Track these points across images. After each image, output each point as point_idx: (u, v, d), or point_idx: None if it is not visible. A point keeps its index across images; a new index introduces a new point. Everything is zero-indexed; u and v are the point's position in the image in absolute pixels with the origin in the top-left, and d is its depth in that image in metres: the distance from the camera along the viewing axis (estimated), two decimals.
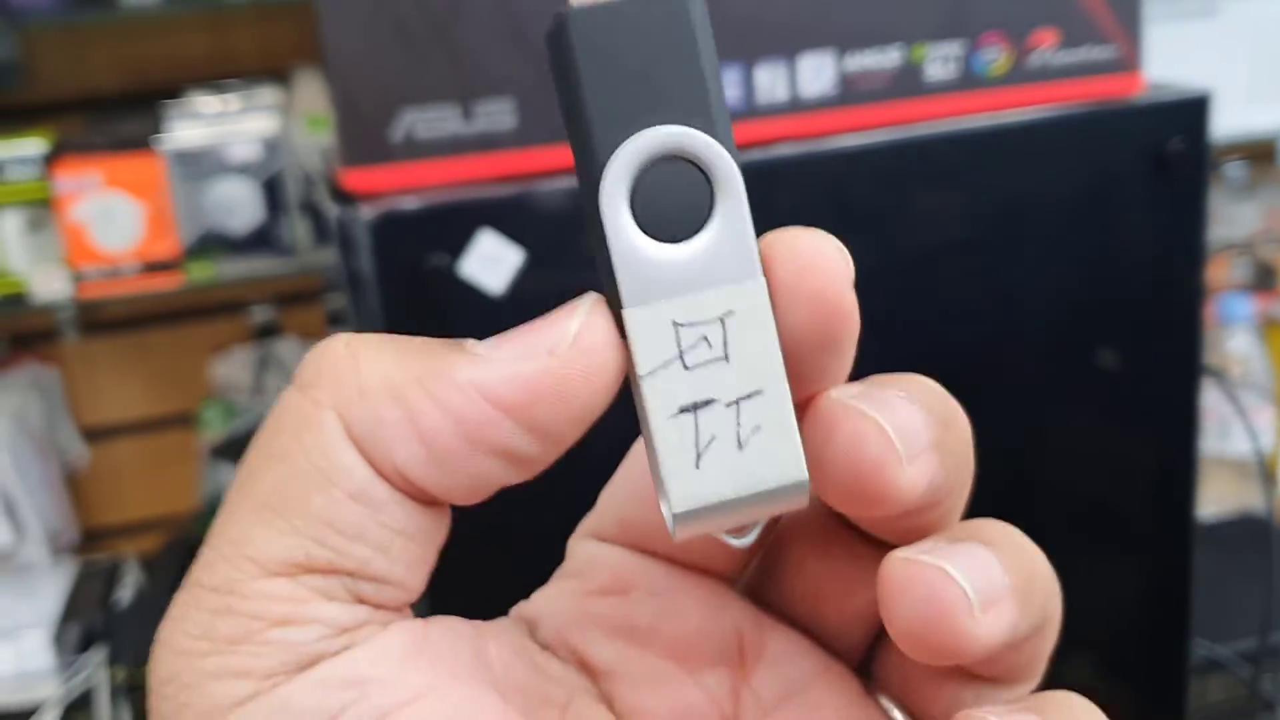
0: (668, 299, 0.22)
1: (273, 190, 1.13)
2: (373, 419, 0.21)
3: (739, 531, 0.24)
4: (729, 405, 0.22)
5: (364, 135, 0.62)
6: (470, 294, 0.62)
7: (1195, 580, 0.82)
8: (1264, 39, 1.27)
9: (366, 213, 0.60)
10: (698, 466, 0.22)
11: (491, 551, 0.57)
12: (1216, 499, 1.38)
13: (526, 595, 0.29)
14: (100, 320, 1.37)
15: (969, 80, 0.68)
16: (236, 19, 1.33)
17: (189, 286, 1.14)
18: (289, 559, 0.21)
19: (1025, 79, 0.69)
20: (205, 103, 1.16)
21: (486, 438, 0.22)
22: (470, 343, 0.23)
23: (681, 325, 0.22)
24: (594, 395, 0.22)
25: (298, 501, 0.21)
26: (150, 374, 1.41)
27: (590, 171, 0.22)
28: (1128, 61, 0.71)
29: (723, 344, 0.22)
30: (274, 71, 1.30)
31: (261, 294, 1.40)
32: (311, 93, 1.23)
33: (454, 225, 0.61)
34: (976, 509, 0.76)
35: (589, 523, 0.28)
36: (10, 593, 1.28)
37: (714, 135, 0.22)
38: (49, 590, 1.28)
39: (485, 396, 0.22)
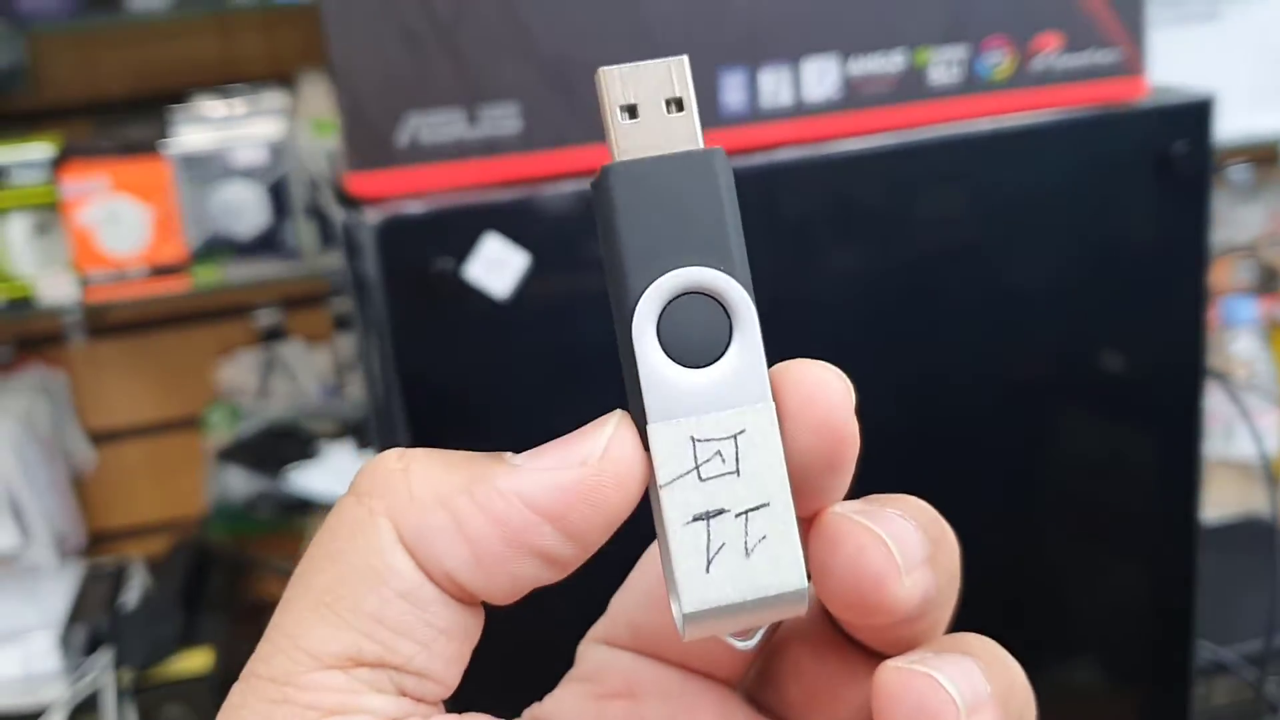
0: (687, 417, 0.24)
1: (279, 194, 1.14)
2: (423, 525, 0.23)
3: (744, 634, 0.26)
4: (738, 515, 0.24)
5: (369, 139, 0.62)
6: (475, 298, 0.62)
7: (1199, 583, 0.82)
8: (1267, 41, 1.27)
9: (372, 217, 0.60)
10: (708, 571, 0.24)
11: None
12: (1220, 502, 1.37)
13: (530, 697, 0.30)
14: (106, 324, 1.37)
15: (972, 84, 0.68)
16: (243, 24, 1.33)
17: (195, 290, 1.15)
18: (343, 652, 0.23)
19: (1028, 83, 0.69)
20: (212, 107, 1.16)
21: (527, 541, 0.24)
22: (509, 455, 0.25)
23: (699, 441, 0.24)
24: (622, 502, 0.24)
25: (352, 599, 0.23)
26: (156, 377, 1.41)
27: (624, 303, 0.24)
28: (1131, 65, 0.71)
29: (735, 459, 0.24)
30: (280, 76, 1.31)
31: (267, 297, 1.41)
32: (317, 97, 1.24)
33: (459, 229, 0.62)
34: (983, 511, 0.76)
35: (599, 628, 0.30)
36: (17, 595, 1.28)
37: (733, 275, 0.25)
38: (55, 593, 1.29)
39: (526, 503, 0.24)
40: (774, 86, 0.66)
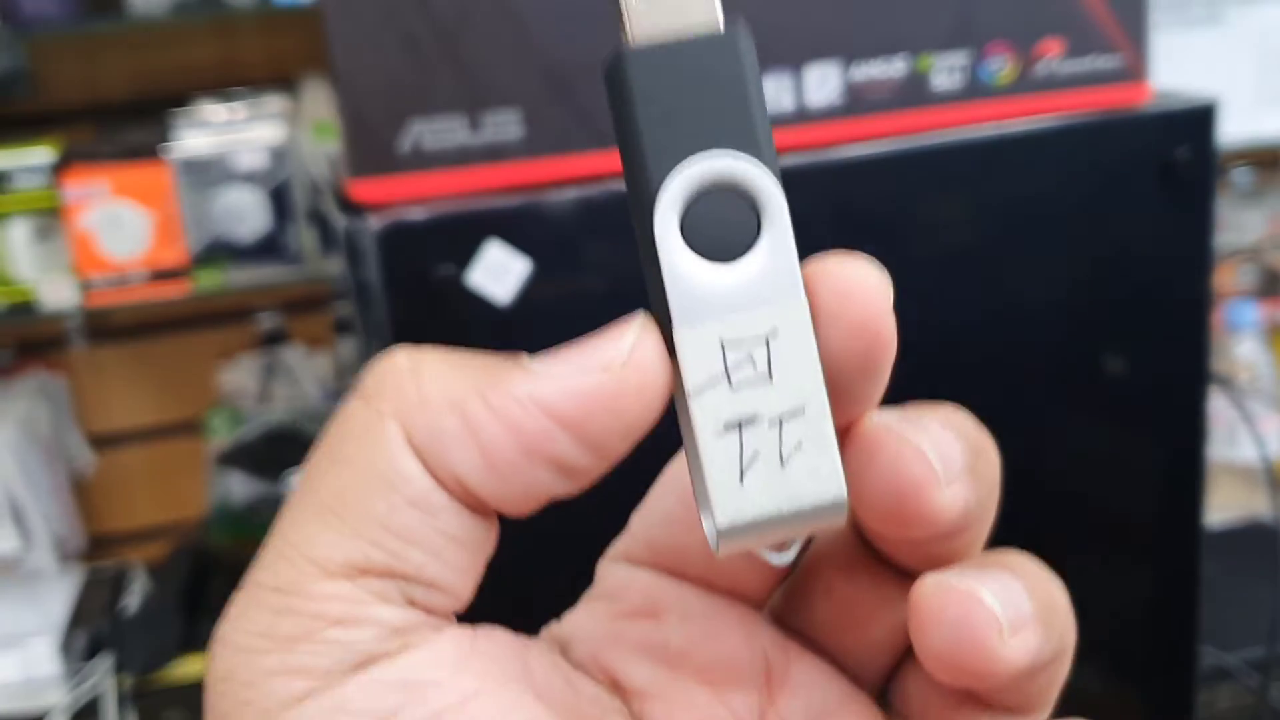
0: (715, 319, 0.23)
1: (280, 198, 1.14)
2: (434, 428, 0.22)
3: (779, 549, 0.24)
4: (772, 423, 0.23)
5: (372, 146, 0.62)
6: (477, 304, 0.62)
7: (1202, 587, 0.82)
8: (1269, 45, 1.27)
9: (374, 223, 0.60)
10: (741, 483, 0.22)
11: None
12: (1223, 506, 1.37)
13: (546, 613, 0.29)
14: (107, 328, 1.37)
15: (975, 90, 0.68)
16: (244, 28, 1.33)
17: (197, 294, 1.15)
18: (349, 561, 0.22)
19: (1031, 88, 0.69)
20: (213, 111, 1.16)
21: (542, 449, 0.22)
22: (526, 359, 0.23)
23: (728, 344, 0.23)
24: (645, 410, 0.23)
25: (359, 505, 0.22)
26: (157, 381, 1.41)
27: (644, 196, 0.23)
28: (1134, 70, 0.71)
29: (767, 363, 0.23)
30: (281, 80, 1.31)
31: (268, 302, 1.41)
32: (319, 101, 1.24)
33: (461, 235, 0.62)
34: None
35: (620, 546, 0.29)
36: (17, 600, 1.28)
37: (761, 162, 0.23)
38: (56, 597, 1.29)
39: (543, 410, 0.22)
40: (776, 93, 0.66)
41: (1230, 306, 1.41)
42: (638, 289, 0.70)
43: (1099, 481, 0.78)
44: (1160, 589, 0.82)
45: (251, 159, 1.12)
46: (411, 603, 0.23)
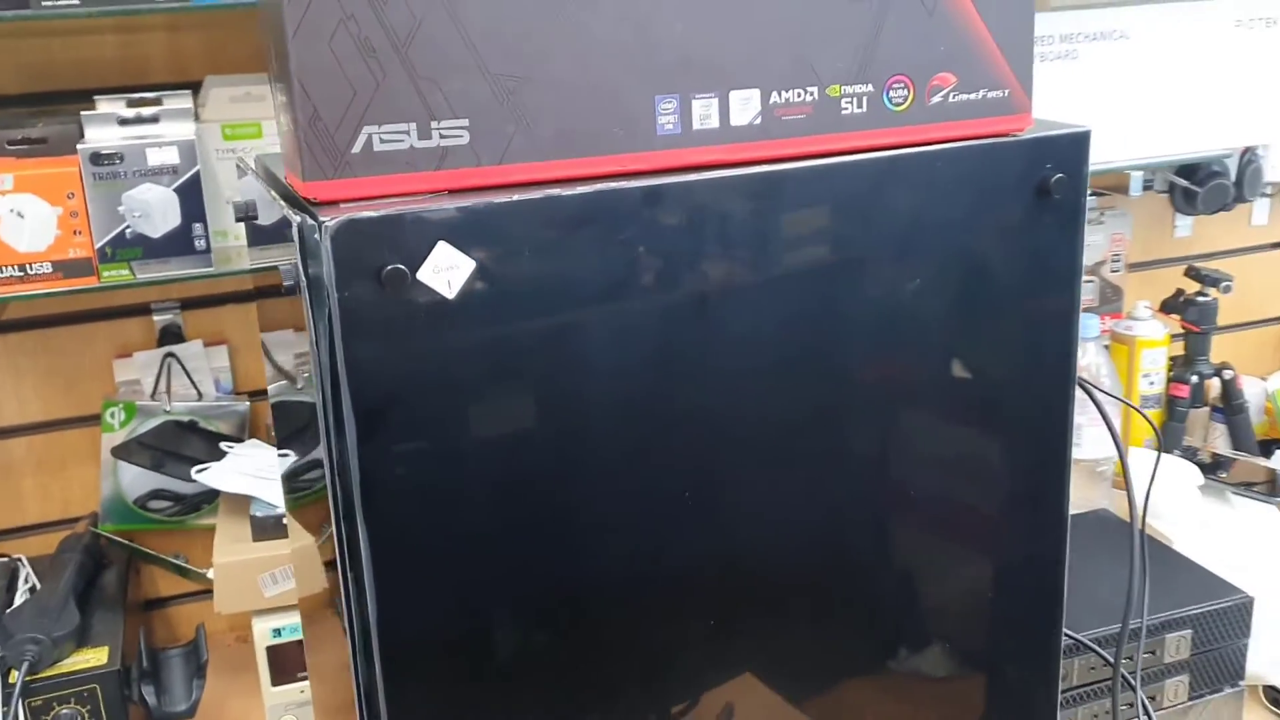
0: None
1: (189, 195, 1.15)
2: None
3: None
4: None
5: (326, 148, 0.66)
6: (424, 299, 0.66)
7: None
8: (1115, 82, 1.38)
9: (328, 221, 0.64)
10: None
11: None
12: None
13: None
14: (1, 320, 1.35)
15: (879, 117, 0.75)
16: (146, 26, 1.33)
17: (103, 289, 1.15)
18: None
19: (927, 117, 0.76)
20: (121, 107, 1.17)
21: None
22: None
23: None
24: None
25: None
26: (52, 374, 1.40)
27: None
28: (1018, 103, 0.78)
29: None
30: (183, 80, 1.31)
31: (166, 297, 1.41)
32: (222, 102, 1.25)
33: (410, 235, 0.66)
34: (872, 512, 0.83)
35: None
36: None
37: None
38: None
39: None
40: (704, 113, 0.71)
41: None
42: (579, 288, 0.76)
43: (976, 479, 0.86)
44: (1028, 576, 0.90)
45: (161, 155, 1.13)
46: None
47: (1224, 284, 1.64)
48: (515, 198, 0.68)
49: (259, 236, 0.86)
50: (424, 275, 0.66)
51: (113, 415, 1.39)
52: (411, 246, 0.66)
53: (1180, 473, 1.50)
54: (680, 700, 0.80)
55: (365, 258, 0.65)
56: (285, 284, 0.66)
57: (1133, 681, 0.97)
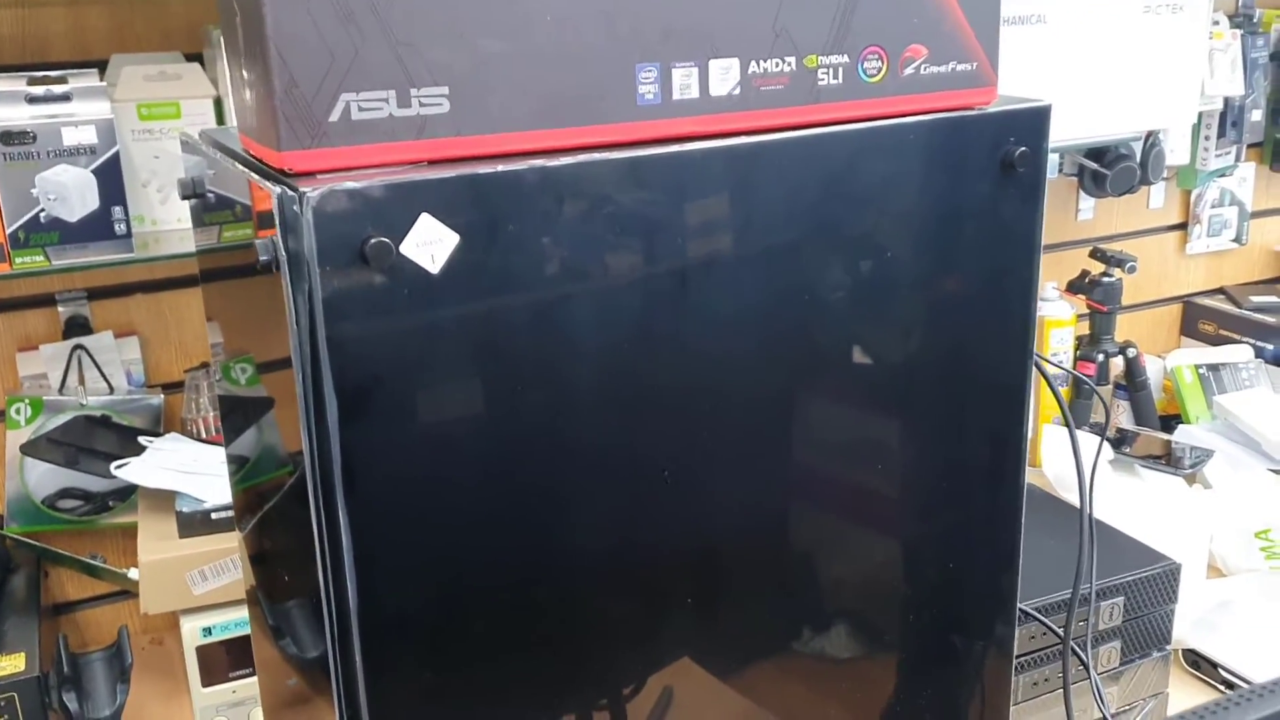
0: None
1: (108, 177, 1.09)
2: None
3: None
4: None
5: (303, 116, 0.63)
6: (407, 273, 0.64)
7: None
8: (1036, 64, 1.41)
9: (309, 191, 0.61)
10: None
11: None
12: None
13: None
14: None
15: (853, 88, 0.75)
16: (47, 1, 1.27)
17: (14, 276, 1.09)
18: None
19: (899, 89, 0.77)
20: (23, 85, 1.11)
21: None
22: None
23: None
24: None
25: None
26: None
27: None
28: (986, 76, 0.79)
29: None
30: (86, 58, 1.25)
31: (71, 286, 1.34)
32: (135, 80, 1.19)
33: (394, 206, 0.63)
34: (839, 486, 0.83)
35: None
36: None
37: None
38: None
39: None
40: (684, 82, 0.70)
41: None
42: (562, 262, 0.75)
43: (940, 452, 0.87)
44: (988, 549, 0.91)
45: (77, 135, 1.08)
46: None
47: (1129, 264, 1.69)
48: (499, 169, 0.66)
49: (201, 216, 0.82)
50: (407, 249, 0.64)
51: (18, 411, 1.32)
52: (395, 219, 0.63)
53: (1094, 448, 1.55)
54: (664, 676, 0.79)
55: (348, 230, 0.62)
56: (261, 259, 0.63)
57: (1083, 656, 0.99)
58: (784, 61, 0.73)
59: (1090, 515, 0.97)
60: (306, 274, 0.62)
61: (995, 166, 0.81)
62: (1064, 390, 1.76)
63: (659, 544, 0.76)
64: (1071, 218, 1.85)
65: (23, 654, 1.18)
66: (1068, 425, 0.95)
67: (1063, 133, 1.47)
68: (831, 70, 0.74)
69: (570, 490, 0.72)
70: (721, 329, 0.74)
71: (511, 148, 0.67)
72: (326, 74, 0.63)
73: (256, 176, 0.66)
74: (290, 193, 0.62)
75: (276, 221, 0.62)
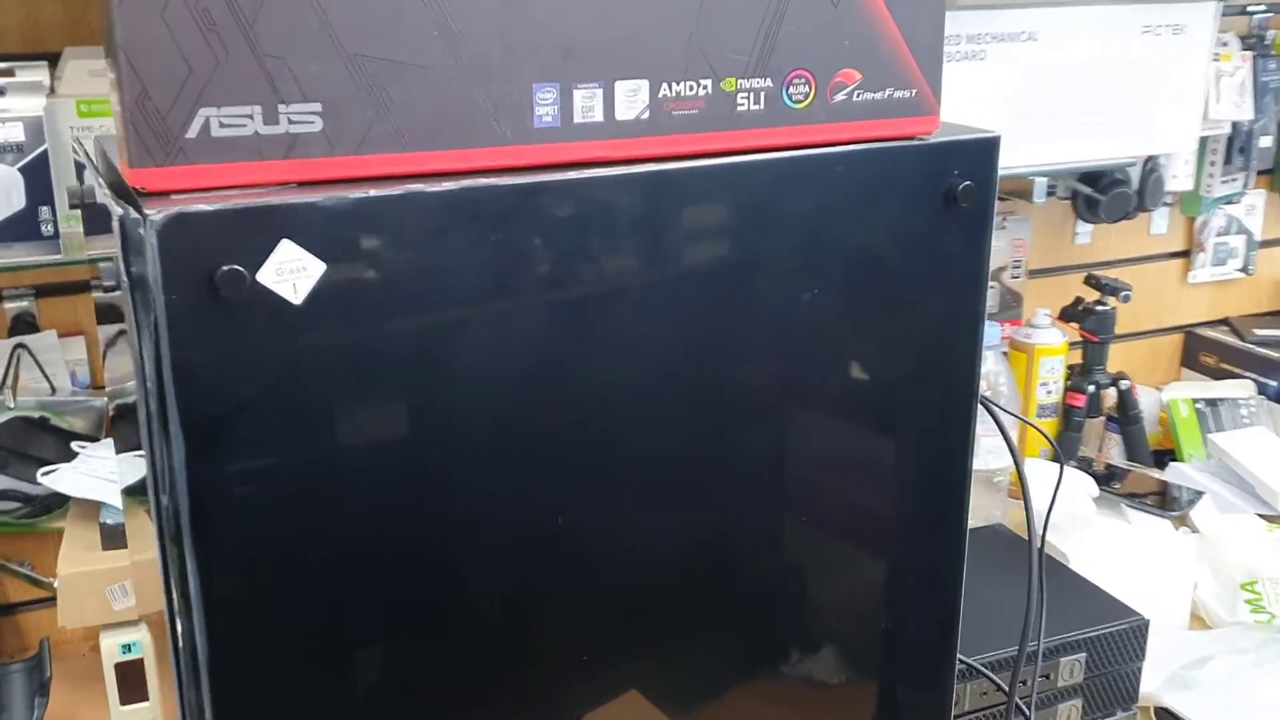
0: None
1: (35, 176, 1.05)
2: None
3: None
4: None
5: (157, 131, 0.58)
6: (265, 303, 0.59)
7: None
8: (1024, 85, 1.35)
9: (154, 214, 0.56)
10: None
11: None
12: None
13: None
14: None
15: (777, 115, 0.70)
16: None
17: None
18: None
19: (829, 116, 0.71)
20: None
21: None
22: None
23: None
24: None
25: None
26: None
27: None
28: (927, 104, 0.73)
29: None
30: (40, 51, 1.21)
31: (16, 284, 1.30)
32: (80, 76, 1.15)
33: (251, 231, 0.58)
34: (762, 528, 0.76)
35: None
36: None
37: None
38: None
39: None
40: (586, 104, 0.65)
41: None
42: (443, 293, 0.68)
43: (871, 496, 0.81)
44: (924, 597, 0.85)
45: (4, 132, 1.03)
46: None
47: (1123, 293, 1.62)
48: (371, 193, 0.61)
49: (95, 225, 0.78)
50: (265, 277, 0.59)
51: None
52: (251, 245, 0.58)
53: (1077, 485, 1.48)
54: None
55: (197, 257, 0.57)
56: (105, 284, 0.58)
57: (1027, 712, 0.94)
58: (699, 84, 0.67)
59: (1040, 562, 0.91)
60: (152, 301, 0.57)
61: (936, 200, 0.75)
62: (1054, 421, 1.70)
63: (551, 596, 0.71)
64: (1068, 241, 1.78)
65: None
66: (1017, 467, 0.90)
67: (1053, 155, 1.41)
68: (753, 94, 0.69)
69: (453, 539, 0.67)
70: (625, 368, 0.69)
71: (391, 170, 0.62)
72: (183, 86, 0.58)
73: (109, 193, 0.61)
74: (134, 214, 0.57)
75: (118, 245, 0.57)
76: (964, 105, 1.31)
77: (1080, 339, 1.69)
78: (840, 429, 0.78)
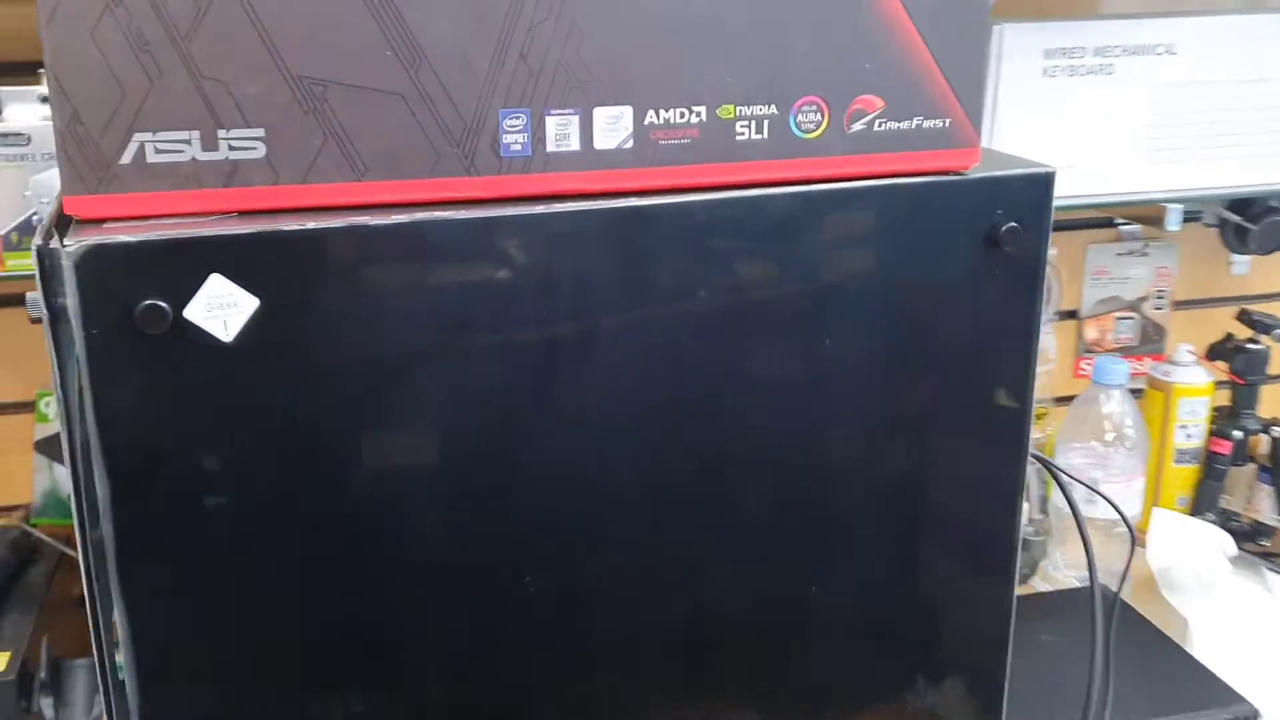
0: None
1: None
2: None
3: None
4: None
5: (88, 156, 0.55)
6: (192, 341, 0.55)
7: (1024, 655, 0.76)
8: (1160, 99, 1.22)
9: (72, 245, 0.53)
10: None
11: None
12: (1076, 564, 1.34)
13: None
14: None
15: (784, 145, 0.62)
16: None
17: (9, 278, 1.06)
18: None
19: (846, 148, 0.63)
20: (32, 85, 1.07)
21: None
22: None
23: None
24: None
25: None
26: None
27: None
28: (963, 136, 0.65)
29: None
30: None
31: None
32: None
33: (178, 264, 0.55)
34: (774, 606, 0.65)
35: None
36: None
37: None
38: None
39: None
40: (561, 132, 0.59)
41: (1101, 363, 1.37)
42: (386, 335, 0.61)
43: (900, 570, 0.73)
44: (969, 671, 0.77)
45: None
46: None
47: (1276, 331, 1.47)
48: (310, 225, 0.56)
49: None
50: (193, 313, 0.55)
51: (47, 405, 1.31)
52: (178, 278, 0.55)
53: (1210, 540, 1.34)
54: None
55: (117, 291, 0.54)
56: (30, 316, 0.55)
57: None
58: (691, 111, 0.61)
59: (1106, 645, 0.81)
60: (73, 337, 0.54)
61: (975, 244, 0.66)
62: (1194, 468, 1.55)
63: (520, 664, 0.66)
64: (1223, 271, 1.63)
65: (9, 653, 1.16)
66: (1081, 531, 0.80)
67: (1191, 180, 1.28)
68: (754, 123, 0.62)
69: (403, 597, 0.62)
70: (600, 435, 0.63)
71: (341, 200, 0.58)
72: (116, 109, 0.55)
73: (45, 222, 0.58)
74: (52, 244, 0.54)
75: (37, 275, 0.55)
76: (1088, 128, 1.19)
77: (1227, 379, 1.54)
78: (864, 502, 0.71)
